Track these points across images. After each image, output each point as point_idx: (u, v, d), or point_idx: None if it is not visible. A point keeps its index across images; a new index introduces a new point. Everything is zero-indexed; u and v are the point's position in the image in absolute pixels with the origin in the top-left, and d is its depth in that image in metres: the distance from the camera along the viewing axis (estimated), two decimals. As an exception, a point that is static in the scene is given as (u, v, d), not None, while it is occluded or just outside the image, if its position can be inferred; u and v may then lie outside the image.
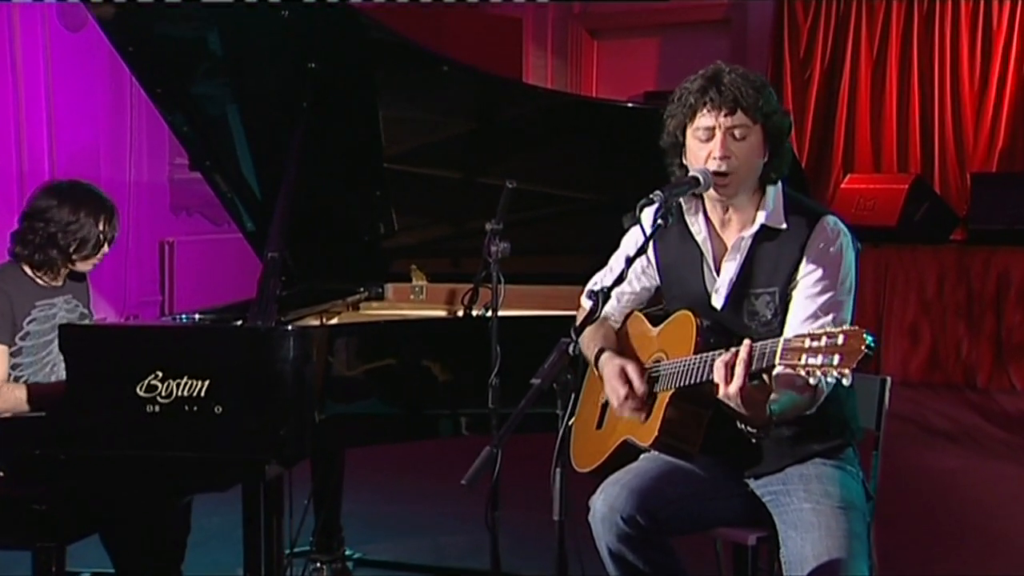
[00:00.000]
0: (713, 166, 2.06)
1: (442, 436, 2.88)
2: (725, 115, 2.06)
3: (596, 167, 3.27)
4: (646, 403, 2.14)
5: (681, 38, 7.63)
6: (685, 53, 7.23)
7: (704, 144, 2.09)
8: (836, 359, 1.72)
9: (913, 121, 7.08)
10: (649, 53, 7.87)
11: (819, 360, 1.73)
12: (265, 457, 2.45)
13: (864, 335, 1.71)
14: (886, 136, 7.15)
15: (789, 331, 2.04)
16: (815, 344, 1.75)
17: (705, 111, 2.08)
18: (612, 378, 2.18)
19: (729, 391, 1.88)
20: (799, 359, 1.76)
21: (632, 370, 2.16)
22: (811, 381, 1.77)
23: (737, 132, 2.07)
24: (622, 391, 2.14)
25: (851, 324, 2.03)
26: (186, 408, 2.38)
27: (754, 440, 1.99)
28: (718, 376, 1.90)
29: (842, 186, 6.61)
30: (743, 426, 1.97)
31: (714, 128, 2.07)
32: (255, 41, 2.96)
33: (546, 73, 7.95)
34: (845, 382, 1.73)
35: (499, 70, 3.31)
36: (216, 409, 2.38)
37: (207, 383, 2.38)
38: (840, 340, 1.72)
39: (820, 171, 7.24)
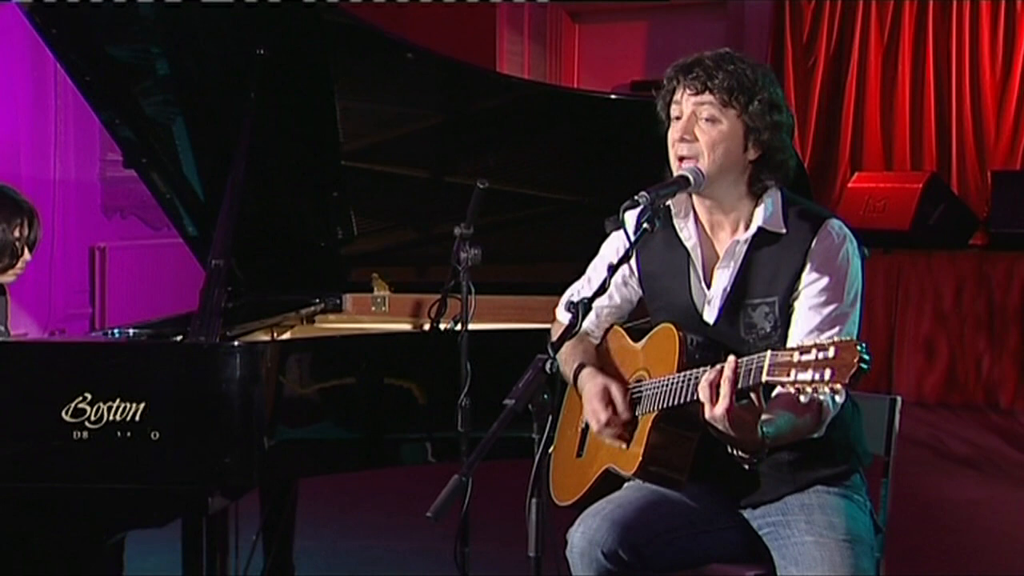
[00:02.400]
0: (676, 150, 2.11)
1: (406, 463, 2.90)
2: (692, 94, 2.11)
3: (577, 165, 3.31)
4: (628, 428, 2.16)
5: (671, 22, 7.69)
6: (676, 38, 7.28)
7: (676, 123, 2.14)
8: (827, 374, 1.74)
9: (928, 113, 7.14)
10: (636, 38, 7.92)
11: (809, 376, 1.76)
12: (208, 488, 2.45)
13: (857, 347, 1.73)
14: (898, 130, 7.22)
15: (791, 344, 2.06)
16: (804, 358, 1.78)
17: (678, 89, 2.14)
18: (593, 398, 2.19)
19: (715, 412, 1.91)
20: (788, 375, 1.79)
21: (616, 391, 2.18)
22: (801, 399, 1.79)
23: (704, 112, 2.10)
24: (603, 415, 2.16)
25: (858, 336, 2.07)
26: (118, 434, 2.38)
27: (747, 467, 2.01)
28: (703, 396, 1.92)
29: (849, 185, 6.66)
30: (734, 451, 1.99)
31: (682, 104, 2.12)
32: (196, 24, 2.97)
33: (522, 61, 7.99)
34: (838, 399, 1.76)
35: (470, 57, 3.34)
36: (152, 435, 2.38)
37: (142, 406, 2.38)
38: (831, 353, 1.75)
39: (825, 169, 7.29)
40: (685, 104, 2.11)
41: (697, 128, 2.10)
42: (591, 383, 2.23)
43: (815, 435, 2.08)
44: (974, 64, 7.02)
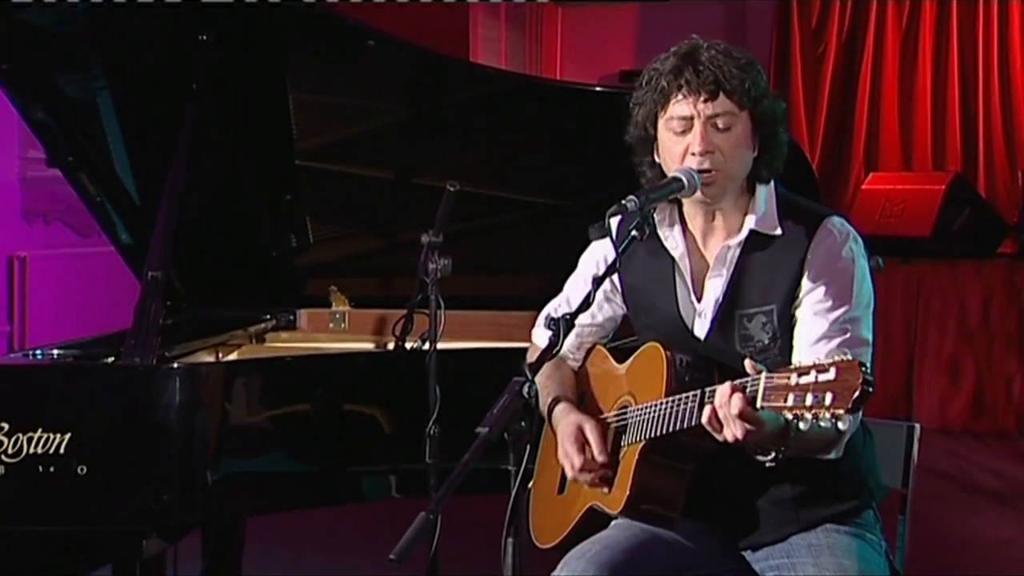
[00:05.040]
0: (692, 163, 2.11)
1: (368, 499, 2.90)
2: (705, 101, 2.11)
3: (558, 166, 3.32)
4: (611, 466, 2.17)
5: (664, 4, 7.73)
6: (670, 23, 7.32)
7: (680, 137, 2.14)
8: (828, 398, 1.76)
9: (951, 107, 7.21)
10: (626, 23, 7.96)
11: (808, 400, 1.78)
12: (143, 529, 2.45)
13: (860, 368, 1.75)
14: (918, 125, 7.28)
15: (798, 357, 2.09)
16: (803, 380, 1.80)
17: (680, 96, 2.13)
18: (566, 440, 2.21)
19: (729, 439, 1.92)
20: (785, 400, 1.81)
21: (591, 430, 2.19)
22: (801, 426, 1.81)
23: (720, 121, 2.12)
24: (576, 459, 2.17)
25: (872, 344, 2.10)
26: (40, 469, 2.37)
27: (768, 464, 2.01)
28: (709, 428, 1.94)
29: (863, 187, 6.71)
30: (755, 453, 2.00)
31: (692, 117, 2.12)
32: (132, 6, 2.97)
33: (499, 48, 8.01)
34: (841, 426, 1.78)
35: (440, 45, 3.36)
36: (79, 470, 2.38)
37: (68, 437, 2.38)
38: (832, 375, 1.77)
39: (836, 168, 7.35)
40: (696, 112, 2.11)
41: (715, 137, 2.11)
42: (564, 421, 2.25)
43: (832, 454, 2.09)
44: (1003, 52, 7.09)
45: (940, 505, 4.80)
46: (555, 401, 2.30)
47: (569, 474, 2.20)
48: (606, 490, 2.17)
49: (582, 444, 2.19)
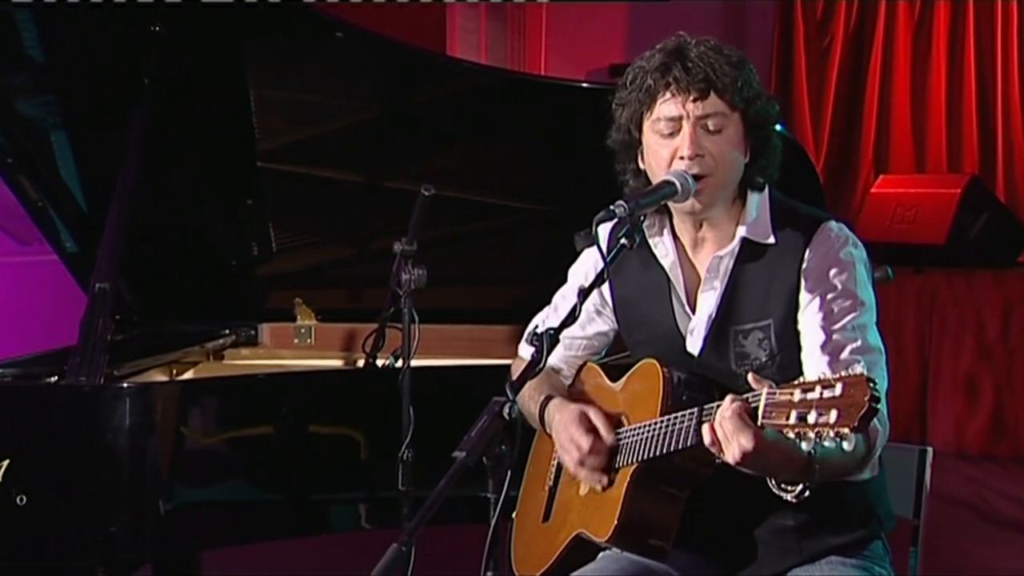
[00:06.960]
0: (681, 167, 2.13)
1: (336, 530, 2.91)
2: (695, 100, 2.12)
3: (542, 168, 3.34)
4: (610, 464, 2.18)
5: (659, -7, 7.77)
6: (663, 13, 7.32)
7: (667, 140, 2.15)
8: (833, 416, 1.77)
9: (968, 103, 7.23)
10: (616, 15, 7.98)
11: (812, 418, 1.79)
12: (88, 563, 2.44)
13: (868, 383, 1.76)
14: (932, 123, 7.30)
15: (807, 367, 2.10)
16: (808, 397, 1.80)
17: (668, 95, 2.14)
18: (569, 424, 2.22)
19: (732, 460, 1.92)
20: (787, 418, 1.82)
21: (595, 415, 2.21)
22: (803, 446, 1.81)
23: (711, 122, 2.13)
24: (584, 441, 2.17)
25: (884, 352, 2.11)
26: (-26, 499, 2.37)
27: (795, 500, 2.00)
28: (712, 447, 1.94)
29: (873, 191, 6.72)
30: (775, 488, 1.99)
31: (680, 118, 2.13)
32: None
33: (478, 40, 8.01)
34: (846, 446, 1.78)
35: (415, 37, 3.37)
36: (18, 499, 2.38)
37: (5, 464, 2.37)
38: (838, 391, 1.78)
39: (843, 170, 7.37)
40: (684, 112, 2.12)
41: (705, 140, 2.13)
42: (562, 412, 2.25)
43: (866, 474, 2.10)
44: (1023, 46, 7.11)
45: (956, 536, 4.79)
46: (547, 399, 2.30)
47: (575, 458, 2.19)
48: (603, 479, 2.16)
49: (589, 427, 2.19)
